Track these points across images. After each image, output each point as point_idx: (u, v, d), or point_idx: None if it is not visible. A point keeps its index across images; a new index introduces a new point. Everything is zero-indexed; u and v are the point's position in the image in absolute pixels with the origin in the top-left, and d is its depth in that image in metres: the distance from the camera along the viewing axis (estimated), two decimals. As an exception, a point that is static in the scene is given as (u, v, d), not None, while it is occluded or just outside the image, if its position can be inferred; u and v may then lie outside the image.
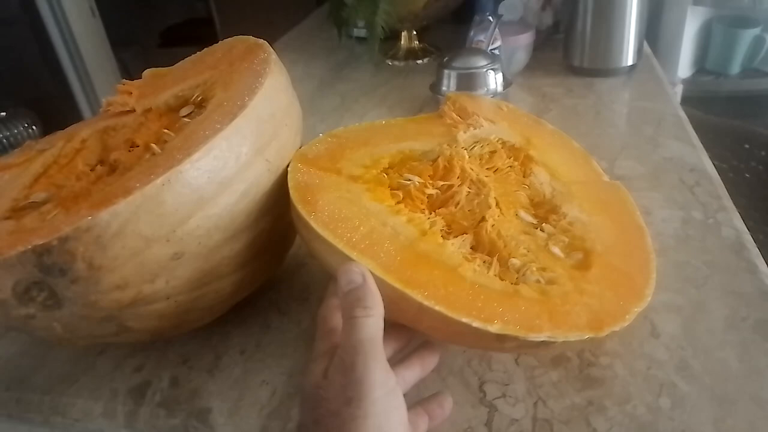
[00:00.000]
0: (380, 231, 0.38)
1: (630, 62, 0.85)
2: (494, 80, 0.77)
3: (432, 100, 0.81)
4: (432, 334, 0.37)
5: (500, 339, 0.33)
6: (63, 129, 0.50)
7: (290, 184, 0.41)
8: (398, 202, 0.42)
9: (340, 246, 0.35)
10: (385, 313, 0.32)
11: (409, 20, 0.98)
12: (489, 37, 0.81)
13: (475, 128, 0.50)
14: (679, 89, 1.53)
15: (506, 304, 0.34)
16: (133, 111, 0.47)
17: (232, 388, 0.42)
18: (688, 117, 0.73)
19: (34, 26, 1.79)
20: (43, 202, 0.42)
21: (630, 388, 0.38)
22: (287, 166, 0.42)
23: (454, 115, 0.52)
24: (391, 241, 0.37)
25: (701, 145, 0.66)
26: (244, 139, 0.39)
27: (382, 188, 0.43)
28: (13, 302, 0.34)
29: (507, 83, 0.79)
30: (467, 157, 0.46)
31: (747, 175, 1.01)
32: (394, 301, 0.33)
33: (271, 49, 0.47)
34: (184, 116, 0.46)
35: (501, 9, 0.91)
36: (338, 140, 0.47)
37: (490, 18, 0.81)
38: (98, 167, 0.46)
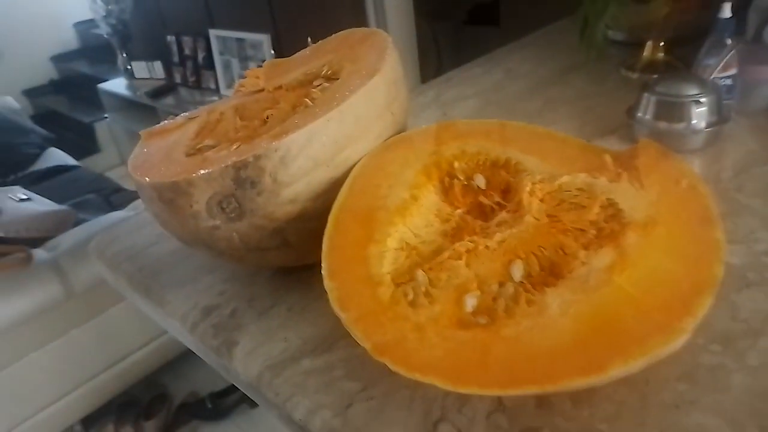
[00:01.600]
0: (379, 186, 0.45)
1: None
2: (700, 115, 0.65)
3: (627, 127, 0.73)
4: None
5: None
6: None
7: (405, 132, 0.51)
8: (445, 190, 0.47)
9: (351, 174, 0.46)
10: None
11: (654, 29, 0.87)
12: (719, 63, 0.68)
13: (611, 181, 0.43)
14: None
15: (356, 278, 0.39)
16: (262, 90, 0.57)
17: (263, 334, 0.49)
18: None
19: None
20: (213, 146, 0.54)
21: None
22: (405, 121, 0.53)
23: (609, 161, 0.44)
24: (374, 195, 0.44)
25: None
26: (378, 94, 0.49)
27: (434, 169, 0.48)
28: (204, 214, 0.46)
29: (720, 120, 0.66)
30: (528, 189, 0.43)
31: None
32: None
33: (386, 34, 0.54)
34: (317, 86, 0.54)
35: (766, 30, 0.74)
36: (492, 128, 0.51)
37: (728, 40, 0.68)
38: (252, 122, 0.57)
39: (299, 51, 0.63)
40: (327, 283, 0.39)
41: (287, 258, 0.49)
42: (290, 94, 0.55)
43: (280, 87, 0.57)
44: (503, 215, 0.42)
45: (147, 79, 3.06)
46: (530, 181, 0.43)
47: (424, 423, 0.39)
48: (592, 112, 0.82)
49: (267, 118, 0.54)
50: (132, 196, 1.96)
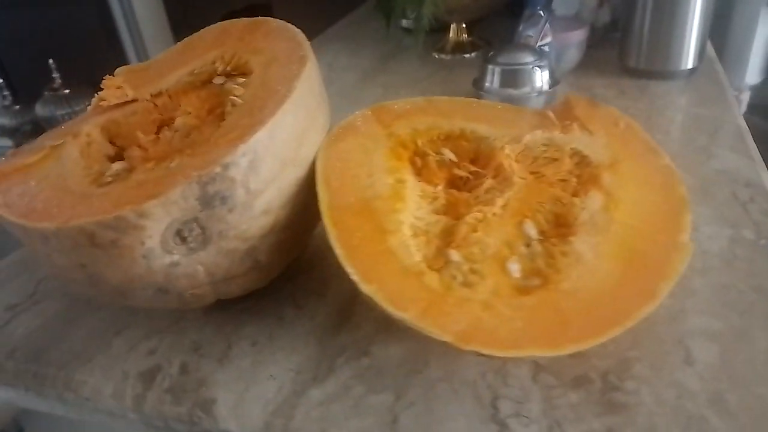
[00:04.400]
0: (357, 176, 0.41)
1: (690, 65, 0.80)
2: (540, 78, 0.73)
3: (474, 96, 0.78)
4: None
5: (368, 297, 0.34)
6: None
7: (342, 122, 0.46)
8: (417, 169, 0.45)
9: (318, 171, 0.41)
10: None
11: (459, 12, 0.96)
12: (538, 33, 0.77)
13: (563, 132, 0.46)
14: (746, 96, 1.44)
15: (394, 274, 0.35)
16: (132, 101, 0.47)
17: (239, 379, 0.41)
18: (752, 127, 0.68)
19: (99, 7, 1.85)
20: (128, 170, 0.42)
21: (655, 418, 0.35)
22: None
23: (552, 115, 0.48)
24: (358, 186, 0.40)
25: (761, 158, 0.61)
26: (314, 81, 0.44)
27: (402, 150, 0.45)
28: (159, 251, 0.36)
29: (554, 82, 0.75)
30: (506, 152, 0.44)
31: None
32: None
33: (277, 20, 0.49)
34: (222, 83, 0.48)
35: (555, 4, 0.87)
36: (423, 105, 0.49)
37: (541, 13, 0.78)
38: (163, 133, 0.46)
39: (54, 77, 0.54)
40: (366, 288, 0.34)
41: (253, 283, 0.42)
42: (190, 96, 0.47)
43: (159, 93, 0.48)
44: (489, 182, 0.42)
45: None
46: (503, 144, 0.43)
47: (481, 407, 0.37)
48: (433, 91, 0.86)
49: (167, 128, 0.45)
50: None
